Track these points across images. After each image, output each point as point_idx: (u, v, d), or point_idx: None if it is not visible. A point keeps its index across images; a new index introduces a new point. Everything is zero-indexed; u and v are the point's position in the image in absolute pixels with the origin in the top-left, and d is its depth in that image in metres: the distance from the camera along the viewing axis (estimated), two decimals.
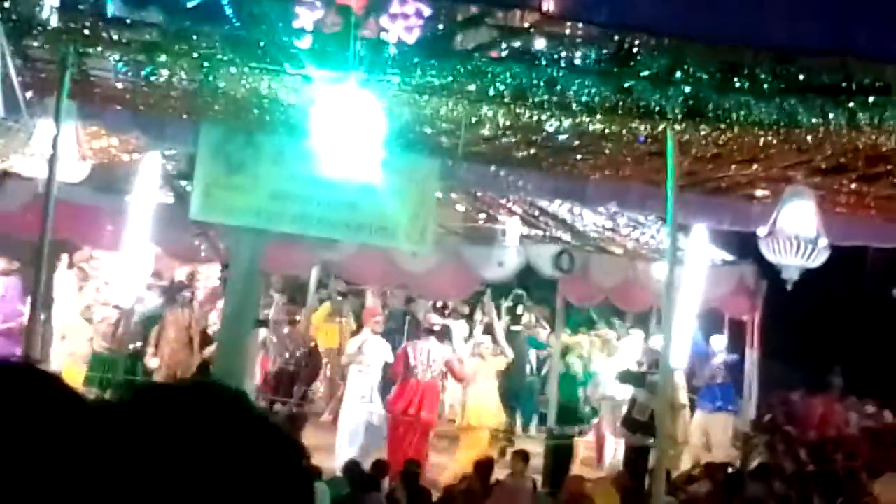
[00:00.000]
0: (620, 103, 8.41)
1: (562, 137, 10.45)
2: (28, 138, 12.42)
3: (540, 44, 7.94)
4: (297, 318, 17.12)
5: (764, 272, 17.32)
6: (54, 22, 8.53)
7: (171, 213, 13.93)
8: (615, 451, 18.00)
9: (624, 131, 9.61)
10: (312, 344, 16.97)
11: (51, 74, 9.87)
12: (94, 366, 15.26)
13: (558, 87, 8.25)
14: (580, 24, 7.58)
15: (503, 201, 16.98)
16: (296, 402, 15.77)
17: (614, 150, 10.79)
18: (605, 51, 7.70)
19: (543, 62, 7.94)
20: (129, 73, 9.94)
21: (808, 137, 9.19)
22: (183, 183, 14.47)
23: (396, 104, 9.23)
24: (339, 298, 19.76)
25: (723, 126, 8.85)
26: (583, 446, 17.68)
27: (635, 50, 7.59)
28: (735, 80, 7.68)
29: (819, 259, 11.51)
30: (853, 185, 11.86)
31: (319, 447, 14.20)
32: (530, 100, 8.60)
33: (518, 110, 9.06)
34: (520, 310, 20.22)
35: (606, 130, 9.52)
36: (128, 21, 8.27)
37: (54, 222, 9.47)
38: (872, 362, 22.27)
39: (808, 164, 11.02)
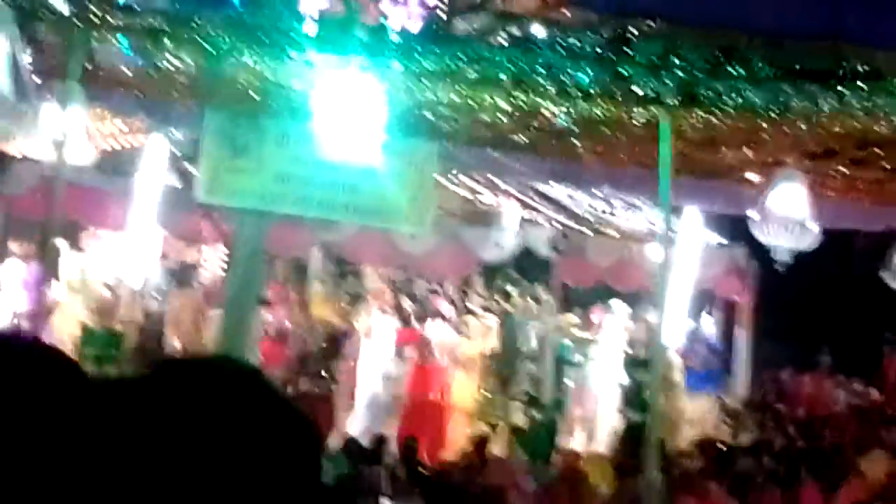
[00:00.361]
0: (616, 88, 8.39)
1: (558, 122, 10.40)
2: (36, 122, 12.39)
3: (538, 30, 7.90)
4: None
5: (755, 254, 17.33)
6: (62, 7, 8.50)
7: (176, 195, 13.91)
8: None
9: (619, 116, 9.59)
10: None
11: (59, 59, 9.83)
12: (87, 341, 15.11)
13: (556, 73, 8.22)
14: (578, 11, 7.54)
15: (501, 184, 16.94)
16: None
17: (610, 134, 10.75)
18: (601, 37, 7.67)
19: (541, 48, 7.91)
20: (136, 58, 9.91)
21: (800, 122, 9.17)
22: (188, 166, 14.43)
23: (397, 89, 9.20)
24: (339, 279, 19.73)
25: (716, 111, 8.83)
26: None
27: (631, 36, 7.56)
28: (728, 65, 7.65)
29: (809, 241, 11.50)
30: (843, 170, 11.83)
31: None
32: (528, 85, 8.58)
33: (516, 95, 9.04)
34: (511, 290, 20.17)
35: (602, 115, 9.50)
36: (134, 7, 8.23)
37: (62, 204, 9.45)
38: (860, 342, 22.28)
39: (799, 149, 10.99)
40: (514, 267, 19.64)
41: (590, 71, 8.03)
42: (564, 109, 9.40)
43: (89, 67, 9.97)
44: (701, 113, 8.96)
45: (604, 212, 18.12)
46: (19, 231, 16.05)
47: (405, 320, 17.80)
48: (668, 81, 8.02)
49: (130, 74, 10.72)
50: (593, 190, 16.52)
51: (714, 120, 9.24)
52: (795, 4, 7.32)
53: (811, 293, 21.71)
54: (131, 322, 15.68)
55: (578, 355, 17.85)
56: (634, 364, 16.90)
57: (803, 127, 9.45)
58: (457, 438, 15.69)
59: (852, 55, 7.39)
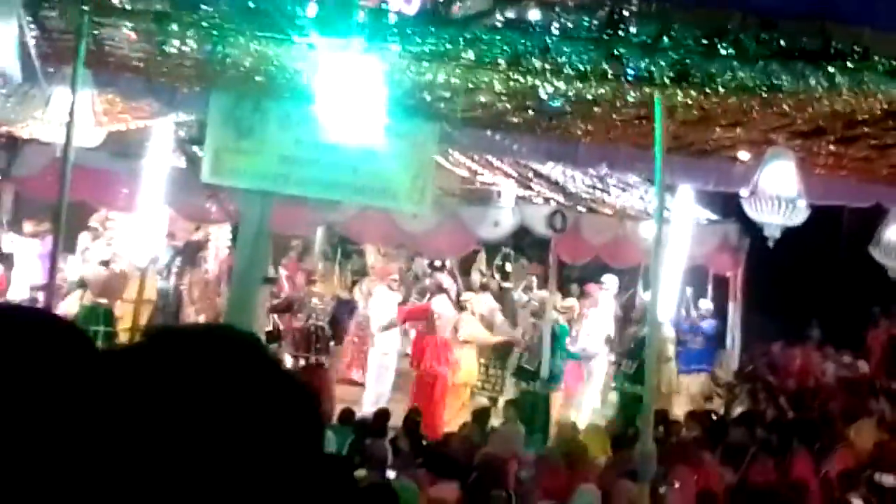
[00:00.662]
0: (610, 69, 8.38)
1: (554, 103, 10.39)
2: (45, 105, 12.39)
3: (534, 13, 7.88)
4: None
5: (746, 230, 17.34)
6: None
7: (183, 176, 13.91)
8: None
9: (613, 96, 9.58)
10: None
11: (66, 43, 9.81)
12: (85, 318, 15.08)
13: (551, 54, 8.20)
14: None
15: (499, 164, 16.94)
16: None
17: (604, 114, 10.75)
18: (596, 19, 7.65)
19: (537, 30, 7.89)
20: (142, 43, 9.90)
21: (790, 101, 9.16)
22: (195, 148, 14.44)
23: (397, 71, 9.19)
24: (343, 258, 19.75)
25: (708, 91, 8.81)
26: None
27: (625, 17, 7.54)
28: (720, 45, 7.63)
29: (799, 218, 11.51)
30: (831, 148, 11.84)
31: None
32: (524, 66, 8.56)
33: (513, 77, 9.03)
34: (508, 267, 20.19)
35: (597, 95, 9.50)
36: None
37: (72, 186, 9.44)
38: (848, 315, 22.32)
39: (788, 127, 10.99)
40: (511, 245, 19.68)
41: (585, 52, 8.02)
42: (560, 90, 9.39)
43: (96, 51, 9.97)
44: (693, 92, 8.94)
45: (598, 190, 18.13)
46: (31, 212, 16.12)
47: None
48: (661, 61, 8.01)
49: (137, 58, 10.72)
50: (588, 169, 16.53)
51: (706, 99, 9.23)
52: None
53: (801, 268, 21.74)
54: (147, 301, 15.69)
55: (573, 330, 17.89)
56: (627, 339, 16.96)
57: (793, 105, 9.45)
58: (459, 411, 15.75)
59: (841, 34, 7.37)
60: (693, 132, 11.46)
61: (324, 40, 8.56)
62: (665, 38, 7.55)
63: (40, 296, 14.85)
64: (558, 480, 10.88)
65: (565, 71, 8.47)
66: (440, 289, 17.33)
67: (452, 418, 15.31)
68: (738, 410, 16.58)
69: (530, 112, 11.29)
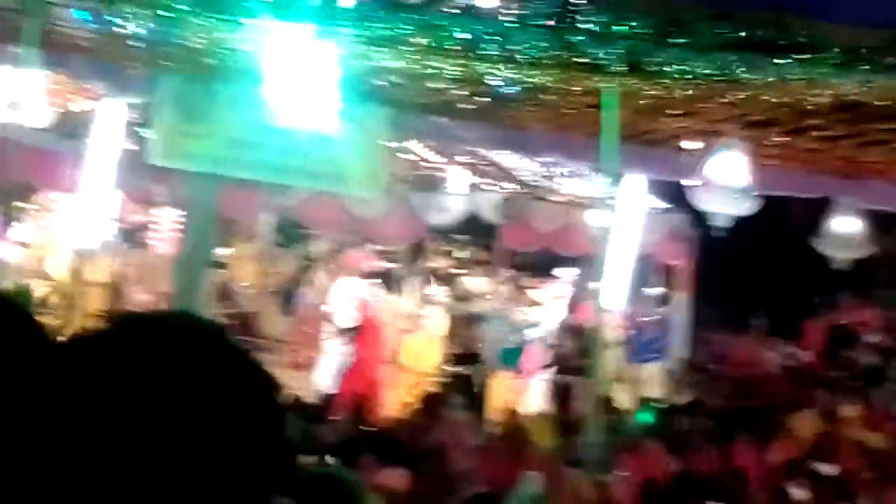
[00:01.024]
0: (563, 57, 8.34)
1: (505, 90, 10.35)
2: None
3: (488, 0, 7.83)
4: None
5: (695, 220, 17.38)
6: None
7: (132, 159, 13.77)
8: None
9: (565, 84, 9.55)
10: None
11: (14, 23, 9.64)
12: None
13: (505, 41, 8.15)
14: None
15: (448, 150, 16.89)
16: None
17: (555, 102, 10.71)
18: (550, 6, 7.60)
19: (491, 17, 7.84)
20: (92, 23, 9.74)
21: (741, 92, 9.17)
22: (143, 130, 14.29)
23: (350, 56, 9.10)
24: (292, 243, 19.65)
25: (660, 80, 8.81)
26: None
27: (579, 5, 7.50)
28: (673, 35, 7.62)
29: (747, 208, 11.54)
30: (781, 139, 11.87)
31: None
32: (478, 53, 8.51)
33: (466, 63, 8.98)
34: (462, 255, 20.18)
35: (549, 83, 9.46)
36: None
37: (18, 166, 9.30)
38: (793, 306, 22.48)
39: (739, 118, 11.00)
40: (461, 231, 19.66)
41: (538, 40, 7.97)
42: (512, 77, 9.35)
43: (45, 30, 9.80)
44: (645, 82, 8.94)
45: (548, 178, 18.12)
46: None
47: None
48: (614, 50, 7.98)
49: (86, 39, 10.56)
50: (538, 157, 16.50)
51: (658, 89, 9.23)
52: None
53: (748, 258, 21.85)
54: (95, 283, 15.53)
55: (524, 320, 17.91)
56: (569, 328, 16.98)
57: (744, 96, 9.46)
58: (407, 396, 15.71)
59: (795, 26, 7.36)
60: (644, 121, 11.45)
61: (275, 23, 8.46)
62: (619, 27, 7.52)
63: None
64: (503, 467, 10.87)
65: (518, 58, 8.43)
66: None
67: (401, 403, 15.28)
68: (684, 399, 16.65)
69: (482, 99, 11.23)
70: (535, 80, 9.27)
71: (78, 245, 14.29)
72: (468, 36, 8.29)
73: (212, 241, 12.82)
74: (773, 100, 9.54)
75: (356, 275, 17.06)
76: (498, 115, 11.96)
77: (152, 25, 8.93)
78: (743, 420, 14.54)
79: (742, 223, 11.70)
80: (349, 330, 16.47)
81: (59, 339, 1.54)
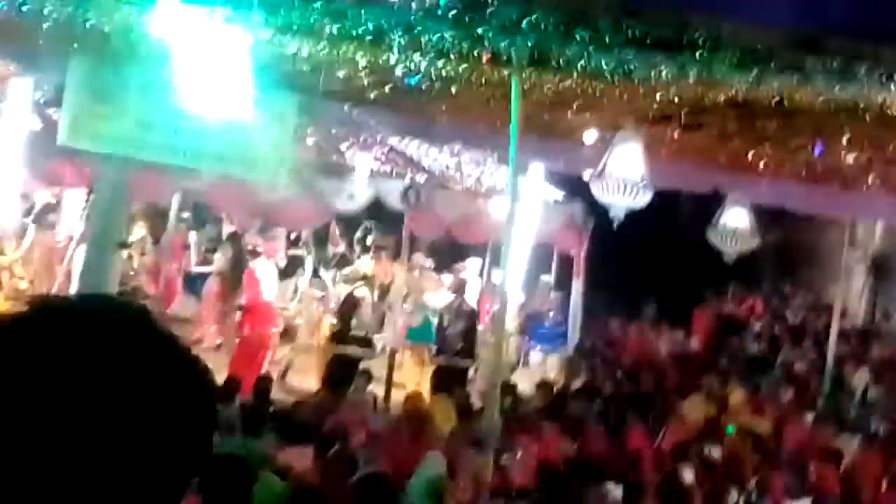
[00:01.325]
0: (472, 49, 8.31)
1: (413, 80, 10.29)
2: None
3: None
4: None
5: (591, 210, 17.53)
6: None
7: (39, 139, 13.51)
8: None
9: (472, 75, 9.53)
10: None
11: None
12: None
13: (415, 32, 8.10)
14: None
15: (355, 138, 16.81)
16: None
17: (461, 92, 10.68)
18: None
19: (402, 7, 7.77)
20: (2, 5, 9.48)
21: (641, 87, 9.22)
22: (51, 111, 14.01)
23: (260, 42, 8.98)
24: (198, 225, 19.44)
25: (564, 74, 8.82)
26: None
27: None
28: (578, 30, 7.63)
29: (643, 200, 11.63)
30: (676, 134, 11.98)
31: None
32: (388, 42, 8.45)
33: (376, 52, 8.91)
34: (369, 241, 20.12)
35: (456, 74, 9.43)
36: None
37: None
38: (683, 294, 22.81)
39: (637, 113, 11.07)
40: (366, 217, 19.63)
41: (447, 30, 7.93)
42: (420, 67, 9.30)
43: None
44: (549, 76, 8.94)
45: (452, 167, 18.13)
46: None
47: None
48: (520, 43, 7.97)
49: None
50: (443, 145, 16.51)
51: (561, 82, 9.24)
52: None
53: (640, 248, 22.12)
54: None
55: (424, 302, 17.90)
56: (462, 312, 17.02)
57: (643, 92, 9.51)
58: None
59: (697, 24, 7.41)
60: (546, 114, 11.47)
61: (187, 7, 8.32)
62: (526, 20, 7.50)
63: None
64: (405, 448, 10.85)
65: (427, 49, 8.38)
66: (255, 253, 17.25)
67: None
68: (577, 384, 16.78)
69: (389, 88, 11.17)
70: (443, 70, 9.22)
71: None
72: (377, 25, 8.22)
73: (120, 222, 12.59)
74: (671, 96, 9.60)
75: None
76: (405, 104, 11.91)
77: (63, 7, 8.71)
78: (635, 404, 14.71)
79: (637, 214, 11.80)
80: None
81: None
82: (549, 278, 19.67)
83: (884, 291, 23.74)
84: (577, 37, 7.64)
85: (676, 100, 9.78)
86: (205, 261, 18.96)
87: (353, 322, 16.67)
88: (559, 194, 19.00)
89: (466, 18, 7.72)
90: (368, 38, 8.52)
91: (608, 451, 12.37)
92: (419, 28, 8.13)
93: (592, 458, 11.62)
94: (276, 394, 13.55)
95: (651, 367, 18.82)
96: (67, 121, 11.53)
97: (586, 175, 12.53)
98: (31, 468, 1.34)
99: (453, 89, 10.52)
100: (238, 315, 16.35)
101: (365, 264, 18.82)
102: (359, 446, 10.65)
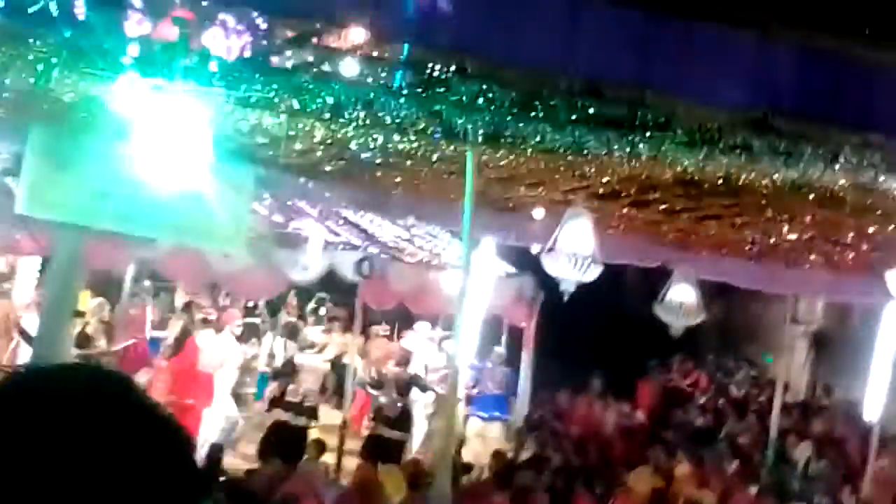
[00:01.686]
0: (428, 124, 8.32)
1: (367, 154, 10.30)
2: None
3: (358, 66, 7.76)
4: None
5: (541, 283, 17.58)
6: None
7: None
8: None
9: (426, 150, 9.53)
10: None
11: None
12: None
13: (372, 107, 8.10)
14: (397, 49, 7.44)
15: (309, 209, 16.79)
16: None
17: (416, 166, 10.70)
18: (419, 75, 7.59)
19: (360, 83, 7.79)
20: None
21: (592, 165, 9.26)
22: (8, 180, 13.88)
23: (220, 115, 8.95)
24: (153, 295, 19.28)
25: (518, 151, 8.84)
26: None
27: (446, 76, 7.50)
28: (533, 109, 7.66)
29: (593, 274, 11.67)
30: (625, 210, 12.06)
31: None
32: (346, 117, 8.44)
33: (333, 127, 8.90)
34: (322, 311, 20.07)
35: (411, 149, 9.43)
36: None
37: None
38: (628, 367, 22.86)
39: (587, 189, 11.14)
40: (321, 288, 19.58)
41: (406, 107, 7.94)
42: (377, 142, 9.30)
43: None
44: (503, 152, 8.96)
45: (404, 240, 18.15)
46: None
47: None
48: (477, 120, 7.99)
49: None
50: (397, 218, 16.52)
51: (515, 159, 9.27)
52: (606, 52, 7.35)
53: (588, 322, 22.13)
54: None
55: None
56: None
57: (594, 169, 9.56)
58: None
59: (654, 104, 7.47)
60: (498, 189, 11.52)
61: (148, 80, 8.28)
62: (483, 98, 7.53)
63: None
64: None
65: (385, 124, 8.38)
66: (205, 322, 17.17)
67: None
68: (526, 455, 16.72)
69: (344, 161, 11.17)
70: (399, 145, 9.23)
71: None
72: (335, 100, 8.22)
73: (76, 290, 12.44)
74: (621, 173, 9.65)
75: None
76: (361, 177, 11.91)
77: (25, 78, 8.64)
78: (583, 475, 14.65)
79: (585, 288, 11.83)
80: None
81: None
82: (498, 350, 19.65)
83: (824, 366, 23.88)
84: (532, 114, 7.68)
85: (625, 177, 9.85)
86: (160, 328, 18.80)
87: (292, 388, 16.56)
88: (510, 268, 19.05)
89: (425, 95, 7.74)
90: (326, 112, 8.51)
91: None
92: (376, 103, 8.13)
93: None
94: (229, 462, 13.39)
95: (598, 438, 18.80)
96: (26, 190, 11.40)
97: (535, 249, 12.57)
98: None
99: (408, 163, 10.54)
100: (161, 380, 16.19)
101: (315, 334, 18.73)
102: None
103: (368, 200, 13.57)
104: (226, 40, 8.02)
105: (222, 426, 16.14)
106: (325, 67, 8.01)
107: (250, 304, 19.95)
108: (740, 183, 9.27)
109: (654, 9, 7.38)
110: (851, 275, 14.29)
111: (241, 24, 7.78)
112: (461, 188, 9.59)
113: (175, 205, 11.19)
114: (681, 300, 15.21)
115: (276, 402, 16.52)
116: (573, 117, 7.70)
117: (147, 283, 18.70)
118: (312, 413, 16.48)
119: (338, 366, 18.31)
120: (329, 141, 9.81)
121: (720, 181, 9.33)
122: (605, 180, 10.33)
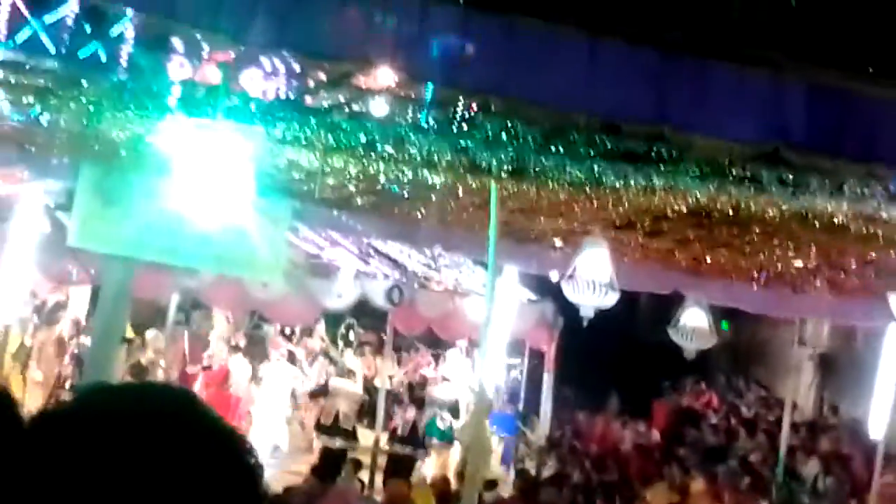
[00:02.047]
0: (455, 160, 8.35)
1: (396, 188, 10.34)
2: None
3: (388, 105, 7.79)
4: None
5: (561, 309, 17.56)
6: None
7: (48, 240, 13.47)
8: None
9: (453, 183, 9.55)
10: None
11: None
12: None
13: (403, 144, 8.13)
14: (425, 89, 7.47)
15: (342, 240, 16.85)
16: None
17: (443, 199, 10.73)
18: (445, 113, 7.61)
19: (391, 121, 7.82)
20: (19, 114, 9.49)
21: (609, 197, 9.26)
22: (60, 214, 13.98)
23: (259, 152, 8.99)
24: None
25: (539, 184, 8.85)
26: None
27: (471, 114, 7.52)
28: (554, 144, 7.67)
29: (610, 300, 11.68)
30: (640, 240, 12.05)
31: None
32: (378, 153, 8.48)
33: (365, 162, 8.94)
34: (352, 336, 20.13)
35: (439, 183, 9.46)
36: (25, 66, 7.84)
37: None
38: (644, 389, 22.78)
39: (604, 220, 11.13)
40: (351, 314, 19.62)
41: (433, 143, 7.97)
42: (405, 176, 9.33)
43: None
44: (526, 185, 8.97)
45: (431, 268, 18.19)
46: None
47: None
48: (501, 155, 8.01)
49: (11, 128, 10.31)
50: (425, 249, 16.56)
51: (537, 192, 9.28)
52: (624, 90, 7.35)
53: (605, 345, 22.09)
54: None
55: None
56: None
57: (611, 201, 9.55)
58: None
59: (669, 139, 7.46)
60: (521, 220, 11.53)
61: (192, 120, 8.34)
62: (507, 134, 7.55)
63: None
64: None
65: (413, 159, 8.41)
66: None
67: None
68: (548, 472, 16.67)
69: (375, 195, 11.22)
70: (430, 180, 9.25)
71: None
72: (367, 137, 8.26)
73: (124, 318, 12.50)
74: (636, 205, 9.65)
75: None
76: (391, 210, 11.95)
77: (79, 118, 8.72)
78: (602, 491, 14.58)
79: (602, 313, 11.82)
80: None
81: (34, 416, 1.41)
82: (519, 372, 19.68)
83: (830, 387, 23.72)
84: (553, 150, 7.69)
85: (641, 208, 9.84)
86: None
87: (327, 411, 16.63)
88: (532, 295, 19.04)
89: (453, 132, 7.76)
90: (358, 149, 8.55)
91: None
92: (405, 140, 8.16)
93: None
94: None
95: (616, 456, 18.71)
96: (77, 224, 11.47)
97: (556, 276, 12.56)
98: None
99: (435, 196, 10.56)
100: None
101: (350, 359, 18.77)
102: None
103: (398, 231, 13.60)
104: (264, 82, 8.07)
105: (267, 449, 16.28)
106: (357, 107, 8.05)
107: (287, 330, 20.01)
108: (750, 213, 9.25)
109: (670, 48, 7.38)
110: (855, 299, 14.22)
111: (278, 67, 7.82)
112: (486, 219, 9.61)
113: (216, 237, 11.23)
114: (693, 325, 15.16)
115: (317, 426, 16.57)
116: (592, 152, 7.70)
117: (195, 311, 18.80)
118: (351, 435, 16.51)
119: (369, 388, 18.30)
120: (361, 176, 9.86)
121: (731, 212, 9.31)
122: (621, 211, 10.32)
